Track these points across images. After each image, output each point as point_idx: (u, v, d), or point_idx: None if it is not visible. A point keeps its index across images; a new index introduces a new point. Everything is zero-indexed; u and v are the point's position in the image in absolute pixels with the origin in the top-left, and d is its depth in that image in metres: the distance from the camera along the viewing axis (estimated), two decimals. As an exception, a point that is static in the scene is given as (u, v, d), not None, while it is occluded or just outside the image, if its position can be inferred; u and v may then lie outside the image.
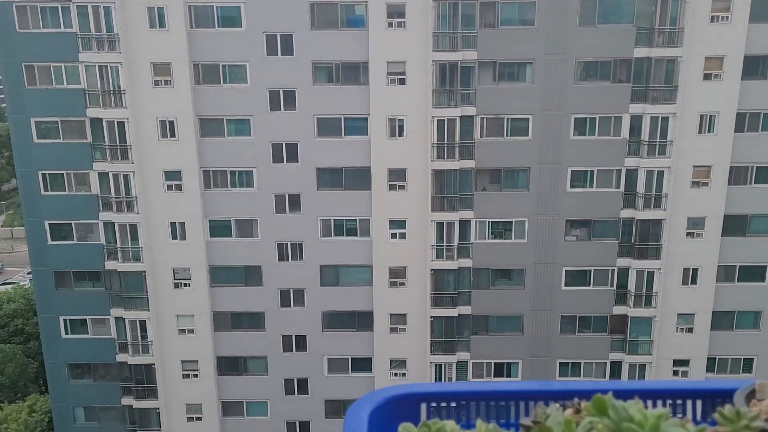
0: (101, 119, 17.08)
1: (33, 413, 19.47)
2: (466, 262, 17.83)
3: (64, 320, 18.64)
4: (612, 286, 18.06)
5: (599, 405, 0.81)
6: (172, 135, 17.21)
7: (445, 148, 17.19)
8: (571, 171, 17.34)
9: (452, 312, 18.07)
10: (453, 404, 1.10)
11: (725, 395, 1.04)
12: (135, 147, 17.18)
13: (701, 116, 16.77)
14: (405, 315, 18.19)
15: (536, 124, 17.04)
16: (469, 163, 17.28)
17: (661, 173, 17.07)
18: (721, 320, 18.07)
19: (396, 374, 18.63)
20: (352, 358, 18.82)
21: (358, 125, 17.30)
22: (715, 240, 17.28)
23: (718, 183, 17.02)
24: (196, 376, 18.87)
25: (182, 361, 18.72)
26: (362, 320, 18.46)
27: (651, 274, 17.74)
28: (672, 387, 1.10)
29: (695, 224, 17.27)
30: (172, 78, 16.88)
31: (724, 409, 0.82)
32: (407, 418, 1.05)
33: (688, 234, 17.29)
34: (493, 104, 17.04)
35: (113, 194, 17.57)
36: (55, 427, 19.51)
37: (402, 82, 16.89)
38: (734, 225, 17.26)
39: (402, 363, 18.63)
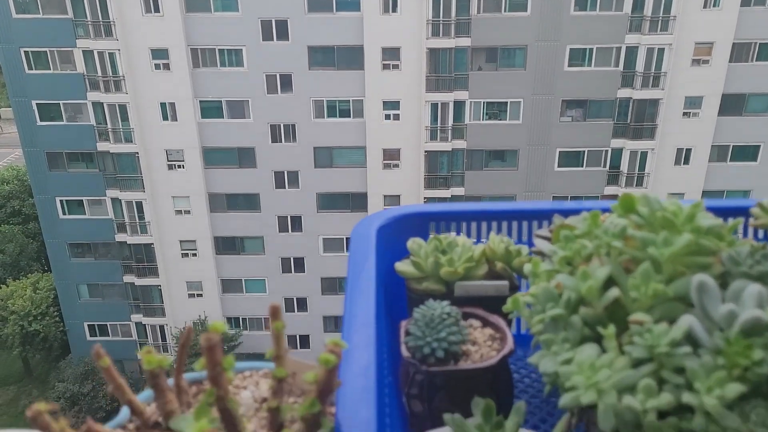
0: (80, -8, 16.26)
1: (37, 290, 20.01)
2: (460, 144, 17.72)
3: (61, 201, 18.72)
4: (605, 166, 18.10)
5: (627, 203, 0.78)
6: (157, 10, 16.46)
7: (441, 25, 16.55)
8: (570, 49, 16.82)
9: (446, 193, 18.19)
10: (463, 224, 1.08)
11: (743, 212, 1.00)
12: (119, 22, 16.46)
13: (707, -11, 16.10)
14: (399, 196, 18.31)
15: (536, -2, 16.36)
16: (465, 41, 16.71)
17: (661, 50, 16.58)
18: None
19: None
20: (346, 238, 19.12)
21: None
22: (711, 120, 17.12)
23: (719, 61, 16.59)
24: (194, 255, 19.26)
25: (180, 241, 19.02)
26: (356, 201, 18.60)
27: (644, 155, 17.72)
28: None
29: (692, 104, 17.02)
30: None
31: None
32: (415, 236, 1.03)
33: (684, 114, 17.09)
34: (492, -24, 16.27)
35: (100, 73, 17.05)
36: (61, 303, 20.14)
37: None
38: (731, 104, 17.03)
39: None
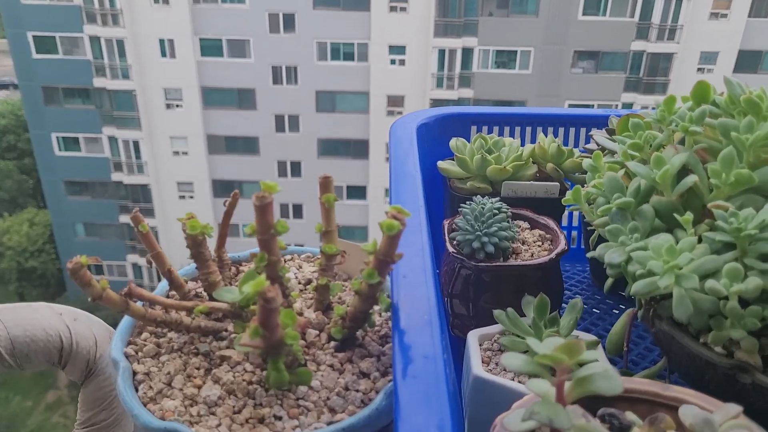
0: None
1: (33, 226, 19.98)
2: (467, 93, 17.44)
3: (57, 137, 18.50)
4: (612, 124, 17.86)
5: (701, 91, 0.72)
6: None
7: (451, -33, 16.12)
8: (585, -4, 16.42)
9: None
10: (506, 128, 1.02)
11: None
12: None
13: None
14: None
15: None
16: (475, -15, 16.31)
17: (679, 2, 16.17)
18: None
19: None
20: (347, 186, 19.05)
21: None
22: (727, 75, 16.80)
23: (738, 15, 16.19)
24: (192, 197, 19.17)
25: (178, 183, 18.92)
26: (358, 148, 18.44)
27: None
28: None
29: (707, 59, 16.69)
30: None
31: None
32: (456, 136, 0.97)
33: (698, 69, 16.78)
34: None
35: (97, 6, 16.60)
36: (57, 240, 20.15)
37: None
38: (747, 61, 16.72)
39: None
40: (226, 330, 0.59)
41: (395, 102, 17.62)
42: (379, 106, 17.65)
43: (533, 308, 0.71)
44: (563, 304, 0.84)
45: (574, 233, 1.05)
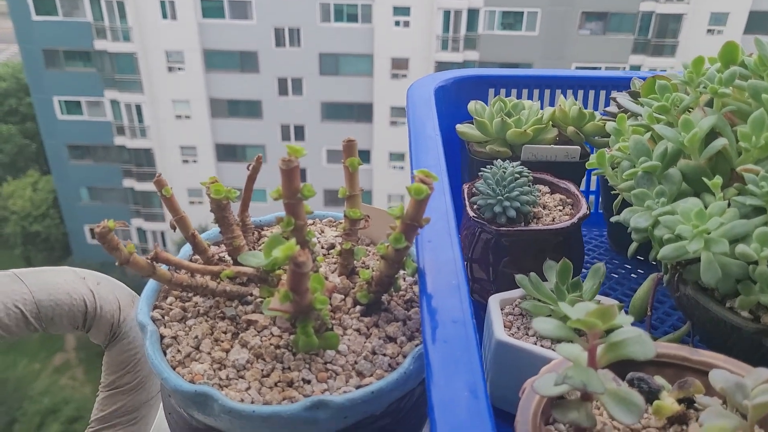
0: None
1: (37, 190, 20.02)
2: (472, 55, 17.20)
3: (59, 101, 18.39)
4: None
5: (730, 51, 0.70)
6: None
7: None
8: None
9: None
10: (524, 90, 1.01)
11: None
12: None
13: None
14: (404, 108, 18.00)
15: None
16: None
17: (690, -42, 15.82)
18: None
19: (395, 167, 18.89)
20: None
21: None
22: (736, 38, 16.55)
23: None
24: (195, 161, 19.14)
25: (181, 147, 18.86)
26: (362, 112, 18.30)
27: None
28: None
29: (717, 20, 16.39)
30: None
31: None
32: (473, 99, 0.95)
33: (708, 31, 16.49)
34: None
35: (95, -36, 16.33)
36: (61, 205, 20.21)
37: None
38: (758, 22, 16.42)
39: (400, 156, 18.83)
40: (251, 294, 0.59)
41: (399, 65, 17.41)
42: (383, 69, 17.44)
43: (556, 273, 0.71)
44: (583, 269, 0.84)
45: (591, 197, 1.05)
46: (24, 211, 19.48)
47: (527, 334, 0.70)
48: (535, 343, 0.68)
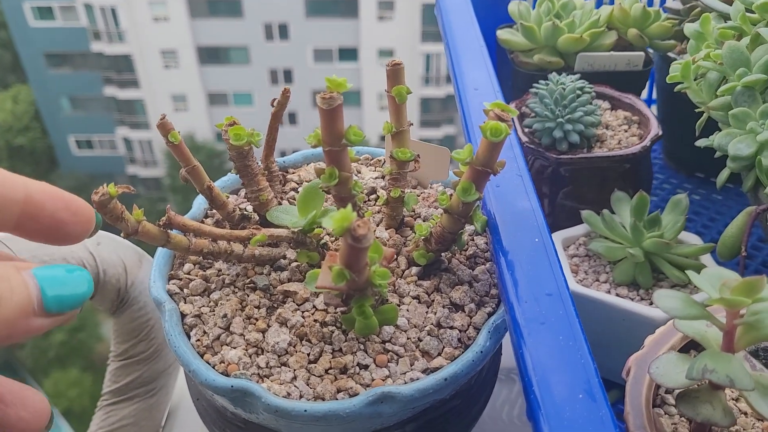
0: None
1: (18, 102, 19.47)
2: None
3: (30, 7, 17.50)
4: None
5: None
6: None
7: None
8: None
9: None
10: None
11: None
12: None
13: None
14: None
15: None
16: None
17: None
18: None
19: (384, 65, 18.31)
20: (340, 49, 18.34)
21: None
22: None
23: None
24: (176, 66, 18.54)
25: (161, 51, 18.19)
26: (347, 6, 17.53)
27: None
28: None
29: None
30: None
31: None
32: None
33: None
34: None
35: None
36: (43, 116, 19.73)
37: None
38: None
39: (389, 53, 18.22)
40: (284, 257, 0.49)
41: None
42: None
43: (631, 208, 0.61)
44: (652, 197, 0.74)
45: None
46: (6, 125, 18.98)
47: (598, 280, 0.61)
48: (609, 291, 0.59)
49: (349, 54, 18.08)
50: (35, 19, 17.77)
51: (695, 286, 0.58)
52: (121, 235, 0.41)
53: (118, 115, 19.57)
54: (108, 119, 19.66)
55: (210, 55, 18.62)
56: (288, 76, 18.44)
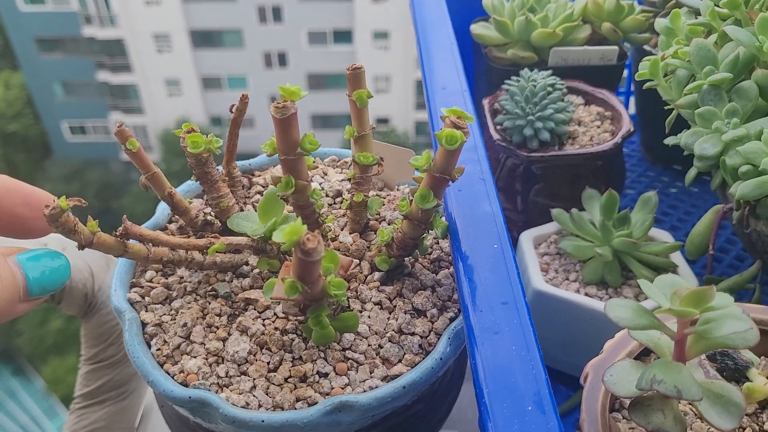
0: None
1: (10, 89, 19.31)
2: None
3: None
4: None
5: None
6: None
7: None
8: None
9: None
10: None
11: None
12: None
13: None
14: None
15: None
16: None
17: None
18: None
19: (378, 48, 18.21)
20: (335, 31, 18.17)
21: None
22: None
23: None
24: (169, 50, 18.39)
25: (154, 35, 18.02)
26: (341, 36, 17.38)
27: None
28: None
29: None
30: None
31: None
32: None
33: None
34: None
35: None
36: (36, 102, 19.59)
37: None
38: None
39: (384, 35, 18.08)
40: (246, 264, 0.49)
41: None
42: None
43: (600, 207, 0.61)
44: (625, 191, 0.74)
45: (621, 98, 0.93)
46: (-2, 112, 18.86)
47: (568, 279, 0.61)
48: (578, 290, 0.60)
49: (343, 36, 17.96)
50: (25, 4, 17.57)
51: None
52: (76, 246, 0.41)
53: (112, 100, 19.43)
54: (101, 105, 19.52)
55: (203, 39, 18.46)
56: (282, 59, 18.34)
